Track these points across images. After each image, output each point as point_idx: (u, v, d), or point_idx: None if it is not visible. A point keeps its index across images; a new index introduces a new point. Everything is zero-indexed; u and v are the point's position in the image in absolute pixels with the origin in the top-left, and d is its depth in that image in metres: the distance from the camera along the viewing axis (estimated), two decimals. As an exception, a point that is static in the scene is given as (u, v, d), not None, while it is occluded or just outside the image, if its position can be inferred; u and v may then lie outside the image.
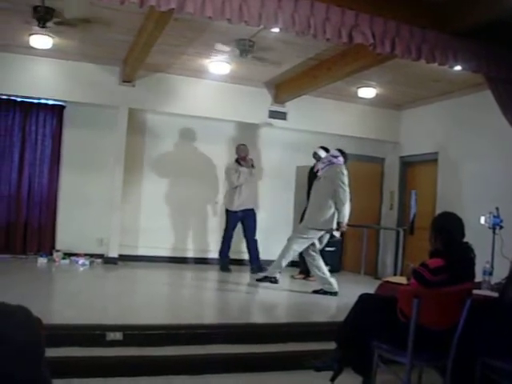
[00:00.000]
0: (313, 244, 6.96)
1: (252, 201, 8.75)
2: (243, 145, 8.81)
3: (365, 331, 3.61)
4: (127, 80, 8.54)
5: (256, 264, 8.54)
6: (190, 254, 9.48)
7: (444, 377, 3.43)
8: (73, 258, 8.27)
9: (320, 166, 7.22)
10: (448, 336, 3.29)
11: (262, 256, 8.67)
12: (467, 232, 3.61)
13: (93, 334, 4.35)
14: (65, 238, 8.63)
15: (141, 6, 4.47)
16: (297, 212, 9.46)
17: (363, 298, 3.88)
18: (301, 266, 8.26)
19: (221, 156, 9.32)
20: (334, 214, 6.82)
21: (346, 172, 6.98)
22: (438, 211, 8.00)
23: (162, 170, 9.36)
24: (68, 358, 3.88)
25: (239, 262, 9.28)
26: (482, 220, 6.03)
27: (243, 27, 5.43)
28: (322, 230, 6.87)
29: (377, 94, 9.21)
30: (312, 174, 8.05)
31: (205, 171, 9.51)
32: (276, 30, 5.42)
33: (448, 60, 5.56)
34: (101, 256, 8.53)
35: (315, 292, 6.94)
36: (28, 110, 8.56)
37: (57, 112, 8.74)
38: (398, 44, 5.24)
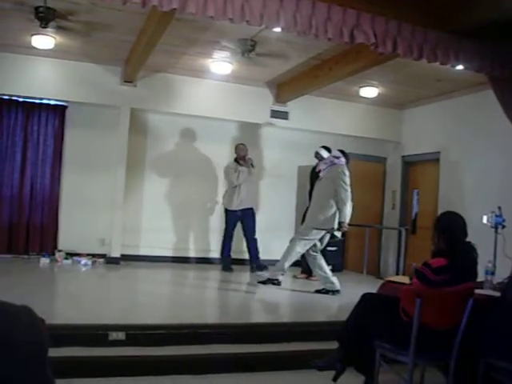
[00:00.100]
0: (314, 244, 6.96)
1: (251, 200, 8.76)
2: (242, 144, 8.81)
3: (367, 331, 3.61)
4: (129, 80, 8.55)
5: (256, 263, 8.55)
6: (192, 254, 9.48)
7: (446, 376, 3.43)
8: (75, 258, 8.28)
9: (322, 166, 7.21)
10: (450, 335, 3.29)
11: (265, 256, 8.67)
12: (469, 231, 3.61)
13: (95, 334, 4.35)
14: (67, 238, 8.64)
15: (143, 6, 4.47)
16: (299, 212, 9.47)
17: (365, 298, 3.88)
18: (303, 265, 8.25)
19: (222, 156, 9.31)
20: (335, 213, 6.82)
21: (347, 172, 6.98)
22: (440, 211, 7.99)
23: (164, 170, 9.37)
24: (70, 358, 3.88)
25: (241, 262, 9.28)
26: (485, 219, 6.02)
27: (245, 27, 5.42)
28: (323, 229, 6.87)
29: (379, 94, 9.21)
30: (314, 174, 8.04)
31: (206, 171, 9.51)
32: (278, 29, 5.41)
33: (450, 59, 5.55)
34: (103, 256, 8.54)
35: (318, 292, 6.94)
36: (30, 110, 8.57)
37: (59, 112, 8.74)
38: (400, 43, 5.24)
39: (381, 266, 10.50)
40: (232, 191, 8.57)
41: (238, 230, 8.80)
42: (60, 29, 6.93)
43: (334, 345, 3.94)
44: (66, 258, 8.24)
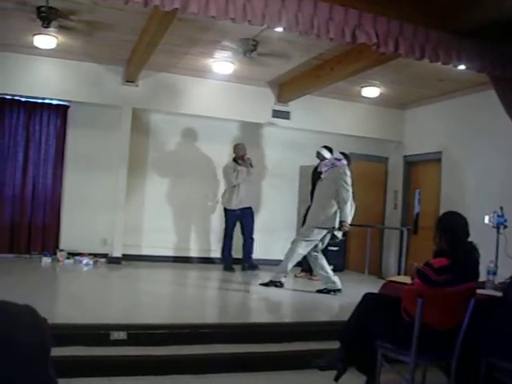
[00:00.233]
0: (315, 245, 6.96)
1: (250, 199, 8.77)
2: (241, 144, 8.82)
3: (369, 330, 3.61)
4: (131, 80, 8.55)
5: (248, 262, 8.63)
6: (194, 254, 9.49)
7: (448, 376, 3.43)
8: (77, 257, 8.29)
9: (323, 168, 7.22)
10: (452, 335, 3.29)
11: (266, 256, 8.69)
12: (471, 231, 3.61)
13: (97, 334, 4.36)
14: (69, 238, 8.64)
15: (145, 6, 4.48)
16: (300, 212, 9.47)
17: (367, 298, 3.88)
18: (303, 264, 8.26)
19: (224, 156, 9.30)
20: (336, 212, 6.82)
21: (349, 173, 6.98)
22: (441, 211, 7.98)
23: (166, 170, 9.37)
24: (72, 358, 3.88)
25: (242, 262, 9.28)
26: (486, 219, 6.01)
27: (247, 27, 5.43)
28: (324, 228, 6.86)
29: (380, 94, 9.20)
30: (316, 174, 8.04)
31: (208, 171, 9.52)
32: (279, 29, 5.42)
33: (452, 59, 5.55)
34: (105, 256, 8.54)
35: (319, 291, 6.94)
36: (32, 109, 8.58)
37: (61, 112, 8.75)
38: (402, 43, 5.23)
39: (382, 266, 10.49)
40: (231, 191, 8.58)
41: (238, 229, 8.81)
42: (62, 28, 6.94)
43: (335, 345, 3.94)
44: (67, 258, 8.25)
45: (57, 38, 7.26)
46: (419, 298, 3.24)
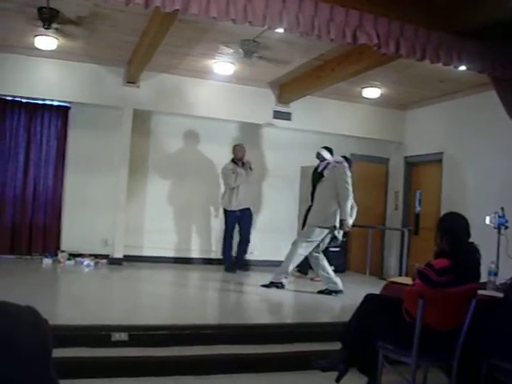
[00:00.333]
0: (316, 245, 6.96)
1: (249, 200, 8.78)
2: (240, 145, 8.83)
3: (370, 331, 3.61)
4: (132, 81, 8.56)
5: (241, 262, 8.72)
6: (195, 255, 9.49)
7: (449, 377, 3.43)
8: (78, 258, 8.29)
9: (325, 172, 7.22)
10: (453, 336, 3.28)
11: (267, 256, 8.69)
12: (472, 232, 3.60)
13: (98, 335, 4.36)
14: (70, 239, 8.65)
15: (146, 7, 4.48)
16: (301, 212, 9.45)
17: (368, 299, 3.87)
18: (299, 264, 8.26)
19: (225, 157, 9.28)
20: (336, 211, 6.82)
21: (349, 173, 6.98)
22: (442, 211, 7.99)
23: (167, 171, 9.37)
24: (74, 359, 3.88)
25: (243, 263, 9.29)
26: (487, 220, 6.01)
27: (248, 28, 5.43)
28: (324, 227, 6.85)
29: (381, 95, 9.20)
30: (315, 175, 8.04)
31: (209, 172, 9.51)
32: (280, 30, 5.42)
33: (452, 60, 5.55)
34: (106, 257, 8.54)
35: (320, 292, 6.94)
36: (33, 111, 8.59)
37: (62, 113, 8.76)
38: (403, 44, 5.24)
39: (383, 267, 10.49)
40: (230, 192, 8.60)
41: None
42: (63, 30, 6.94)
43: (336, 345, 3.94)
44: (68, 259, 8.25)
45: (58, 39, 7.27)
46: (420, 299, 3.24)
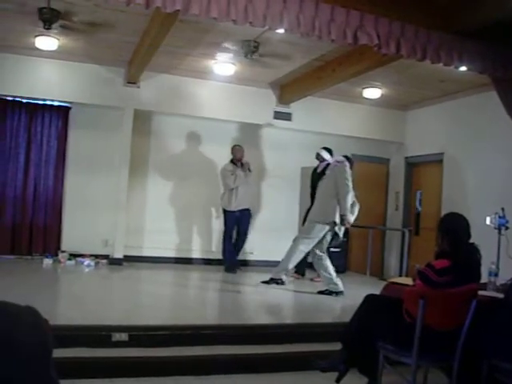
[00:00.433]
0: (319, 243, 6.94)
1: (248, 201, 8.79)
2: (238, 145, 8.83)
3: (370, 332, 3.61)
4: (132, 81, 8.56)
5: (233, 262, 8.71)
6: (195, 255, 9.48)
7: (450, 378, 3.43)
8: (78, 258, 8.29)
9: (326, 171, 7.22)
10: (453, 337, 3.28)
11: (268, 257, 8.69)
12: (473, 232, 3.61)
13: (98, 335, 4.36)
14: (70, 239, 8.65)
15: (146, 8, 4.48)
16: (302, 213, 9.45)
17: (369, 299, 3.87)
18: (297, 265, 8.27)
19: (226, 157, 9.28)
20: (336, 208, 6.81)
21: (349, 171, 6.96)
22: (443, 212, 7.99)
23: (167, 171, 9.37)
24: (74, 359, 3.88)
25: (244, 263, 9.30)
26: (488, 220, 6.01)
27: (248, 28, 5.43)
28: (325, 223, 6.84)
29: (382, 95, 9.20)
30: (315, 175, 8.06)
31: (210, 172, 9.50)
32: (281, 31, 5.42)
33: (453, 60, 5.55)
34: (106, 257, 8.55)
35: (321, 292, 6.94)
36: (33, 111, 8.59)
37: (62, 113, 8.76)
38: (403, 44, 5.23)
39: (384, 268, 10.48)
40: (230, 193, 8.61)
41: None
42: (63, 30, 6.94)
43: (337, 346, 3.94)
44: (69, 259, 8.25)
45: (58, 39, 7.27)
46: (421, 300, 3.24)
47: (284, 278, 7.12)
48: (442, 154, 9.26)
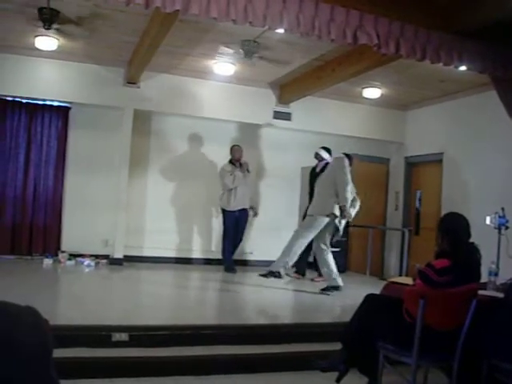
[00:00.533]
0: (322, 236, 6.92)
1: (246, 201, 8.80)
2: (237, 146, 8.84)
3: (370, 332, 3.61)
4: (132, 81, 8.56)
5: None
6: (195, 255, 9.49)
7: (450, 378, 3.43)
8: (78, 258, 8.29)
9: (326, 170, 7.23)
10: (454, 337, 3.28)
11: (268, 257, 8.67)
12: (473, 232, 3.61)
13: (98, 335, 4.36)
14: (70, 239, 8.65)
15: (146, 8, 4.48)
16: (302, 213, 9.45)
17: (369, 299, 3.87)
18: (297, 265, 8.28)
19: (225, 157, 9.28)
20: (335, 201, 6.78)
21: (347, 166, 6.94)
22: (443, 212, 7.99)
23: (167, 171, 9.37)
24: (74, 359, 3.88)
25: (244, 263, 9.30)
26: (488, 220, 6.02)
27: (248, 28, 5.42)
28: (324, 215, 6.81)
29: (382, 95, 9.20)
30: (314, 175, 8.07)
31: (210, 172, 9.49)
32: (281, 30, 5.42)
33: (453, 60, 5.55)
34: (106, 257, 8.55)
35: (322, 290, 6.93)
36: (33, 111, 8.59)
37: (62, 113, 8.76)
38: (403, 44, 5.23)
39: (384, 267, 10.48)
40: (229, 193, 8.61)
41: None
42: (63, 30, 6.95)
43: (337, 346, 3.94)
44: (69, 259, 8.25)
45: (58, 39, 7.27)
46: (421, 299, 3.24)
47: (282, 271, 7.06)
48: (441, 153, 9.26)
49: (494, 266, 4.09)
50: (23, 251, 8.39)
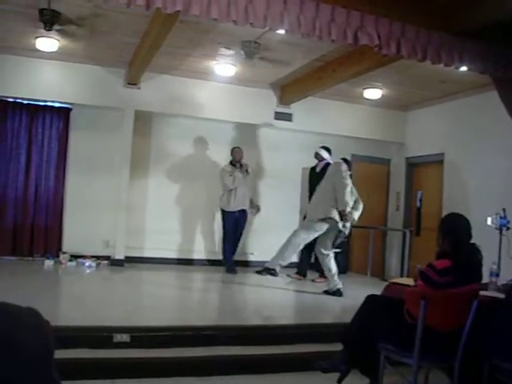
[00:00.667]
0: (323, 241, 6.91)
1: (246, 202, 8.81)
2: (238, 147, 8.86)
3: (372, 332, 3.61)
4: (133, 82, 8.56)
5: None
6: (196, 256, 9.48)
7: (451, 378, 3.43)
8: (79, 259, 8.29)
9: (326, 175, 7.23)
10: (455, 337, 3.28)
11: (268, 257, 8.64)
12: (474, 233, 3.61)
13: (100, 336, 4.36)
14: (71, 240, 8.65)
15: (147, 9, 4.48)
16: (302, 214, 9.45)
17: (370, 300, 3.87)
18: (298, 266, 8.28)
19: (226, 158, 9.28)
20: (333, 205, 6.77)
21: (346, 170, 6.93)
22: (444, 212, 7.99)
23: (168, 172, 9.37)
24: (75, 360, 3.88)
25: (245, 264, 9.30)
26: (489, 221, 6.02)
27: (249, 29, 5.42)
28: (322, 220, 6.81)
29: (382, 95, 9.20)
30: (313, 174, 8.08)
31: (210, 173, 9.47)
32: (281, 31, 5.42)
33: (454, 61, 5.54)
34: (107, 258, 8.55)
35: (326, 292, 6.94)
36: (34, 112, 8.60)
37: (63, 114, 8.76)
38: (404, 45, 5.23)
39: (385, 268, 10.48)
40: (229, 194, 8.62)
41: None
42: (64, 31, 6.95)
43: (338, 347, 3.94)
44: (70, 260, 8.25)
45: (59, 40, 7.28)
46: (422, 300, 3.24)
47: (278, 269, 7.05)
48: (442, 154, 9.26)
49: (495, 267, 4.10)
50: (24, 252, 8.40)
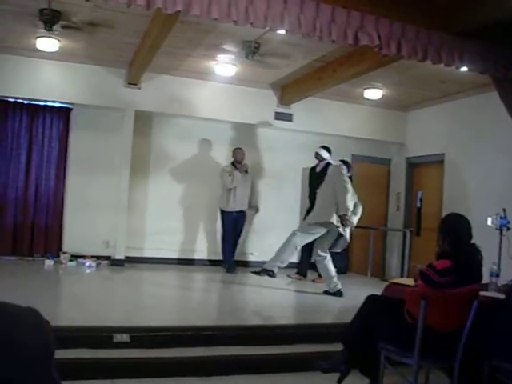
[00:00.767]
0: (321, 243, 6.92)
1: (245, 202, 8.83)
2: (239, 148, 8.88)
3: (372, 333, 3.61)
4: (133, 82, 8.56)
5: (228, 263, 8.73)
6: (197, 256, 9.48)
7: (451, 378, 3.43)
8: (79, 260, 8.29)
9: (326, 178, 7.21)
10: (455, 337, 3.28)
11: (268, 257, 8.65)
12: (474, 233, 3.61)
13: (100, 336, 4.36)
14: (71, 240, 8.65)
15: (147, 9, 4.48)
16: (303, 214, 9.45)
17: (370, 300, 3.87)
18: (298, 266, 8.27)
19: (226, 158, 9.31)
20: (333, 210, 6.76)
21: (346, 173, 6.93)
22: (444, 212, 7.98)
23: (168, 172, 9.37)
24: (75, 360, 3.88)
25: (245, 264, 9.29)
26: (489, 221, 6.02)
27: (249, 29, 5.43)
28: (321, 224, 6.81)
29: (383, 96, 9.20)
30: (313, 174, 8.07)
31: (211, 173, 9.48)
32: (282, 31, 5.42)
33: (454, 61, 5.55)
34: (107, 258, 8.55)
35: (326, 292, 6.94)
36: (35, 112, 8.60)
37: (63, 114, 8.76)
38: (404, 45, 5.23)
39: (385, 268, 10.48)
40: (228, 193, 8.64)
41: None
42: (64, 31, 6.94)
43: (338, 347, 3.94)
44: (70, 260, 8.25)
45: (59, 40, 7.28)
46: (422, 300, 3.24)
47: (276, 270, 7.05)
48: (442, 154, 9.26)
49: (495, 267, 4.09)
50: (24, 252, 8.40)
